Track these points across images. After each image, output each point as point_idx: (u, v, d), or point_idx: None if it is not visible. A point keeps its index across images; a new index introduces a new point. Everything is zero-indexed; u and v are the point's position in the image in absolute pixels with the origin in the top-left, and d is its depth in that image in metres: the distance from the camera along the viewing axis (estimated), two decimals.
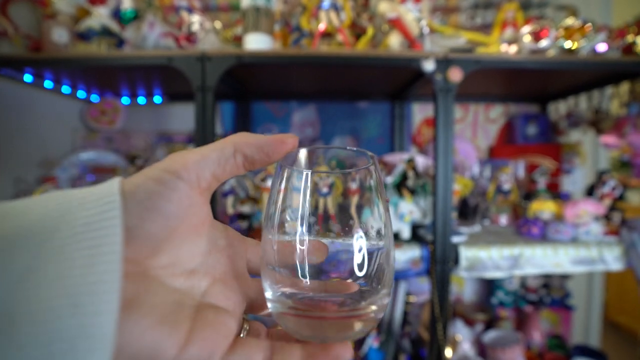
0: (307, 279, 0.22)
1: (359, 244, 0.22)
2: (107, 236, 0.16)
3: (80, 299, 0.15)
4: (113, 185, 0.18)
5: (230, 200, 0.95)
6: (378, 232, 0.22)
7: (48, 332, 0.14)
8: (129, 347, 0.16)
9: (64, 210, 0.17)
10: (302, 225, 0.22)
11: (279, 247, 0.22)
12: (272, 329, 0.25)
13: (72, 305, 0.14)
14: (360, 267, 0.22)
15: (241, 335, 0.23)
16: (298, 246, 0.21)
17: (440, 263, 0.84)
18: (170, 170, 0.20)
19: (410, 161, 0.96)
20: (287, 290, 0.22)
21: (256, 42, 0.84)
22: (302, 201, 0.21)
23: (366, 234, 0.22)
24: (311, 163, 0.23)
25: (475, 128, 1.40)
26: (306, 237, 0.21)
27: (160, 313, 0.18)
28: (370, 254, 0.22)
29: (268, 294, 0.23)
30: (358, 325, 0.22)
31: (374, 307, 0.22)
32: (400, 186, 0.94)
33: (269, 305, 0.23)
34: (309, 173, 0.22)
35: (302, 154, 0.23)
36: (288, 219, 0.22)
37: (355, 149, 0.24)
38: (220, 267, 0.23)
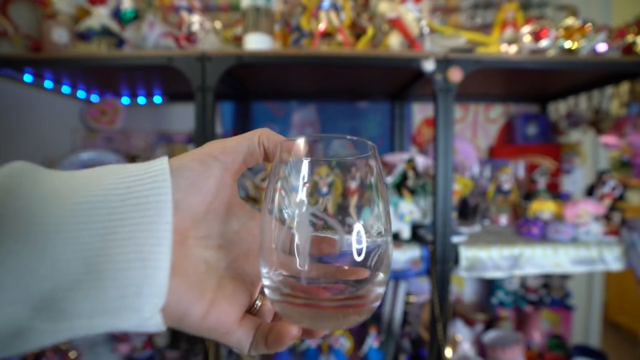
0: (306, 266, 0.22)
1: (358, 240, 0.22)
2: (162, 209, 0.20)
3: (146, 256, 0.19)
4: (163, 164, 0.22)
5: None
6: (378, 227, 0.23)
7: (123, 278, 0.18)
8: (169, 304, 0.20)
9: (127, 184, 0.20)
10: (301, 210, 0.22)
11: (279, 231, 0.23)
12: None
13: (140, 260, 0.19)
14: (360, 258, 0.22)
15: (255, 306, 0.26)
16: (297, 233, 0.22)
17: (440, 263, 0.84)
18: (211, 154, 0.23)
19: (410, 161, 0.96)
20: (285, 274, 0.22)
21: (256, 42, 0.84)
22: (300, 187, 0.22)
23: (366, 229, 0.22)
24: (310, 151, 0.24)
25: (475, 128, 1.40)
26: (306, 223, 0.22)
27: (192, 281, 0.22)
28: (369, 249, 0.22)
29: (265, 281, 0.23)
30: (353, 314, 0.22)
31: (370, 297, 0.23)
32: (400, 186, 0.94)
33: (266, 291, 0.23)
34: (308, 160, 0.23)
35: (301, 142, 0.24)
36: (287, 204, 0.23)
37: (355, 138, 0.25)
38: (244, 245, 0.26)
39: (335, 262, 0.24)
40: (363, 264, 0.22)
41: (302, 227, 0.22)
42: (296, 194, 0.22)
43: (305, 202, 0.22)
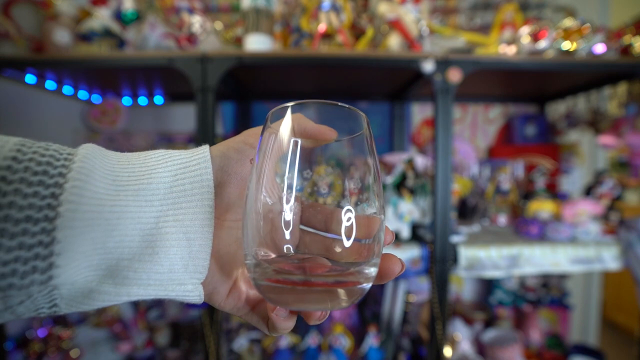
0: (293, 239, 0.21)
1: (348, 216, 0.21)
2: (205, 194, 0.23)
3: (191, 236, 0.22)
4: (205, 153, 0.24)
5: None
6: (370, 205, 0.22)
7: (173, 254, 0.21)
8: (204, 281, 0.23)
9: (175, 172, 0.23)
10: (289, 186, 0.21)
11: (265, 204, 0.22)
12: None
13: (187, 239, 0.22)
14: (351, 234, 0.21)
15: None
16: (285, 207, 0.21)
17: (439, 262, 0.85)
18: (246, 142, 0.25)
19: (410, 161, 0.96)
20: (271, 251, 0.21)
21: (256, 43, 0.85)
22: (289, 165, 0.21)
23: (358, 206, 0.22)
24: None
25: (475, 128, 1.41)
26: (292, 199, 0.21)
27: (223, 261, 0.24)
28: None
29: (248, 260, 0.22)
30: (342, 295, 0.21)
31: (361, 275, 0.21)
32: (400, 186, 0.95)
33: (248, 274, 0.22)
34: (298, 140, 0.22)
35: (289, 112, 0.23)
36: (277, 179, 0.22)
37: (347, 106, 0.24)
38: None
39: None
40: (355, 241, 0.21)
41: (290, 198, 0.21)
42: (285, 166, 0.21)
43: (297, 172, 0.21)
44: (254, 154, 0.25)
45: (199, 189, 0.23)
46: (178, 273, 0.22)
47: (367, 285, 0.22)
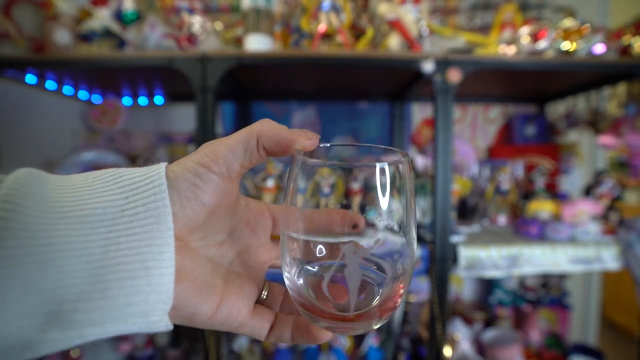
0: (324, 251, 0.23)
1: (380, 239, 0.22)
2: (161, 216, 0.20)
3: (150, 264, 0.19)
4: (160, 170, 0.21)
5: None
6: (392, 224, 0.23)
7: (129, 287, 0.18)
8: (178, 306, 0.21)
9: (126, 194, 0.20)
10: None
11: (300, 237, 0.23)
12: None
13: (144, 269, 0.19)
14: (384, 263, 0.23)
15: (263, 295, 0.27)
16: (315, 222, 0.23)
17: (439, 262, 0.85)
18: (204, 164, 0.22)
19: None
20: (305, 269, 0.23)
21: (256, 43, 0.85)
22: (321, 194, 0.23)
23: (375, 227, 0.22)
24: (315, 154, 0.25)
25: (474, 128, 1.41)
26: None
27: (199, 282, 0.22)
28: (388, 247, 0.22)
29: (287, 283, 0.24)
30: (377, 320, 0.23)
31: (390, 303, 0.23)
32: None
33: (290, 293, 0.24)
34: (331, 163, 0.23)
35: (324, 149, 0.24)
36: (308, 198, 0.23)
37: (386, 147, 0.24)
38: (244, 238, 0.27)
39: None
40: (385, 264, 0.22)
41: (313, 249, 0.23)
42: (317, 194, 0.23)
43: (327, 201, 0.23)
44: (213, 179, 0.22)
45: (154, 210, 0.20)
46: (138, 306, 0.19)
47: (399, 303, 0.24)
